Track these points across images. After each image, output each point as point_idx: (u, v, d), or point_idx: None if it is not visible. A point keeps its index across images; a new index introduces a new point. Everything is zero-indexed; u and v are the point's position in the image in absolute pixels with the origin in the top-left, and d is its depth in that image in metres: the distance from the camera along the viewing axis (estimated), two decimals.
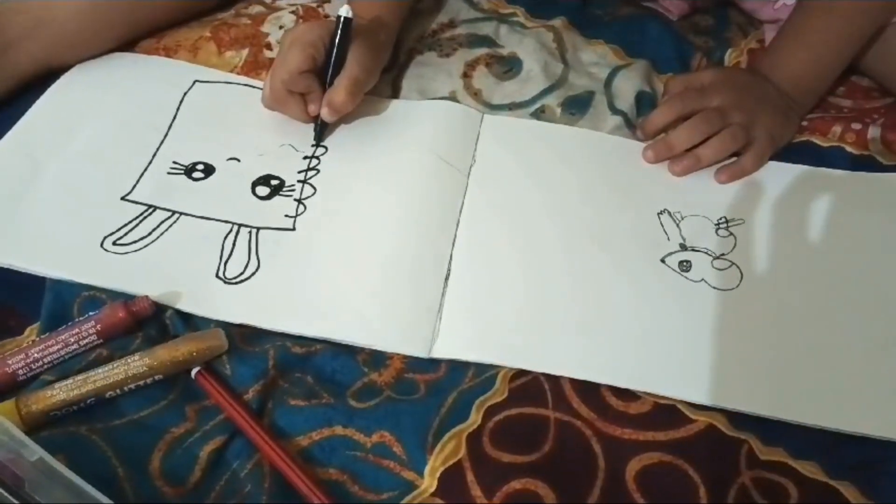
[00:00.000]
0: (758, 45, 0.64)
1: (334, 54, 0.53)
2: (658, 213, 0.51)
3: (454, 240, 0.49)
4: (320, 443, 0.40)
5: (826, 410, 0.42)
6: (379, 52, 0.56)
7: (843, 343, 0.45)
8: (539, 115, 0.57)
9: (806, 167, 0.54)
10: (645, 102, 0.58)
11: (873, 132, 0.57)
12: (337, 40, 0.52)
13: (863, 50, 0.58)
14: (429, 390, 0.43)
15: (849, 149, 0.56)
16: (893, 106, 0.59)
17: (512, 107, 0.58)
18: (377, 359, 0.44)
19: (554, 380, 0.43)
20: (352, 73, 0.53)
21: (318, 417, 0.41)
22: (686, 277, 0.48)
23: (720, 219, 0.51)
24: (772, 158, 0.55)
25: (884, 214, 0.52)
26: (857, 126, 0.57)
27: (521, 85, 0.59)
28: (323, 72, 0.53)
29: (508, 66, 0.60)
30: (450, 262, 0.48)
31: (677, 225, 0.51)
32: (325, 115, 0.53)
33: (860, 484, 0.39)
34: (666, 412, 0.42)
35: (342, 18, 0.52)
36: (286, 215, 0.50)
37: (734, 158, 0.54)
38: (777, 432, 0.41)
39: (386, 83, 0.59)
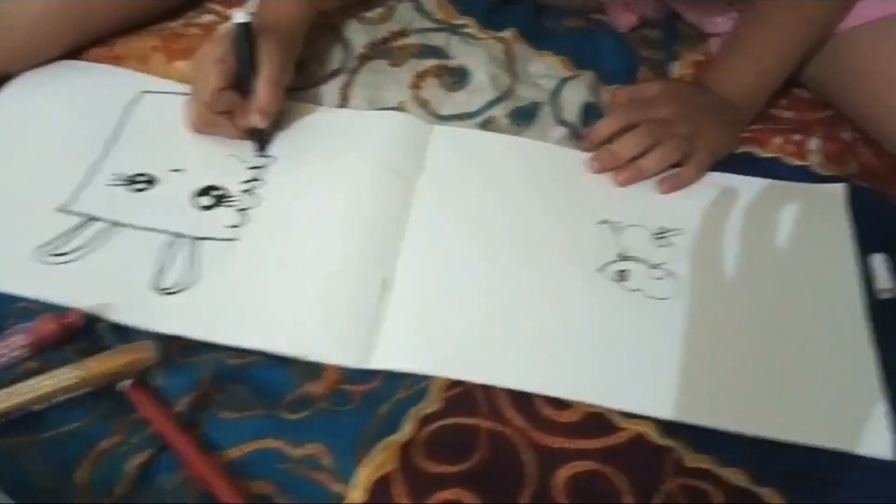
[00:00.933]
0: (704, 58, 0.65)
1: (242, 61, 0.52)
2: (598, 223, 0.52)
3: (399, 251, 0.49)
4: (251, 455, 0.40)
5: (755, 418, 0.43)
6: (287, 44, 0.55)
7: (773, 351, 0.46)
8: (486, 125, 0.58)
9: (745, 178, 0.55)
10: (591, 114, 0.59)
11: (813, 144, 0.58)
12: (240, 46, 0.51)
13: (804, 62, 0.59)
14: (363, 401, 0.43)
15: (788, 160, 0.57)
16: (834, 118, 0.60)
17: (460, 117, 0.58)
18: (313, 370, 0.44)
19: (489, 390, 0.43)
20: (268, 71, 0.52)
21: (249, 429, 0.41)
22: (623, 287, 0.48)
23: (659, 229, 0.52)
24: (713, 168, 0.55)
25: (820, 225, 0.52)
26: (797, 137, 0.58)
27: (470, 96, 0.59)
28: (240, 84, 0.52)
29: (457, 77, 0.61)
30: (394, 273, 0.48)
31: (617, 235, 0.51)
32: (257, 121, 0.53)
33: (785, 490, 0.39)
34: (596, 420, 0.42)
35: (238, 24, 0.51)
36: (228, 226, 0.50)
37: (676, 169, 0.54)
38: (706, 440, 0.41)
39: (335, 92, 0.59)
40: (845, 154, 0.57)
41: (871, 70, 0.56)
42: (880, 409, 0.43)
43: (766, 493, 0.39)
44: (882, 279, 0.49)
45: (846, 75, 0.58)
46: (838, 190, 0.54)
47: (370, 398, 0.43)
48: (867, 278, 0.49)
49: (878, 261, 0.50)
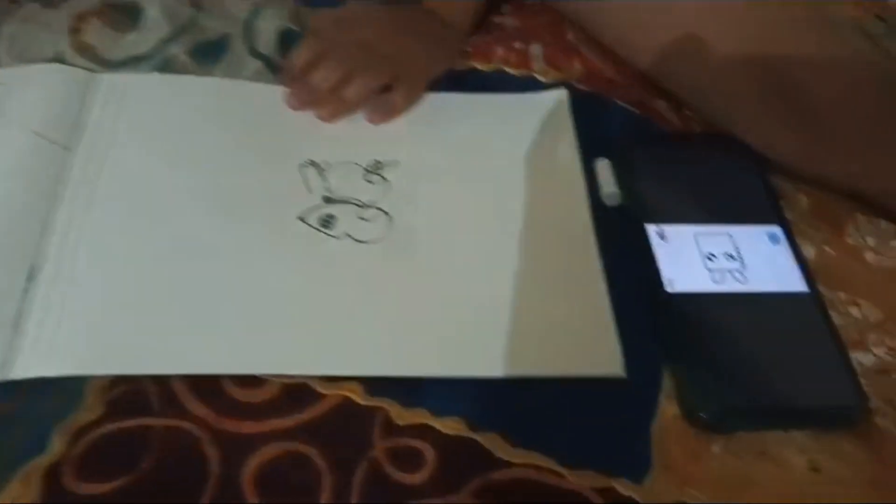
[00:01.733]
0: None
1: None
2: (303, 165, 0.45)
3: (52, 230, 0.40)
4: None
5: (474, 359, 0.38)
6: None
7: (498, 282, 0.41)
8: (166, 67, 0.49)
9: (464, 95, 0.50)
10: (291, 42, 0.51)
11: (535, 50, 0.54)
12: None
13: None
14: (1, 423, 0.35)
15: (510, 71, 0.52)
16: (556, 22, 0.56)
17: (132, 62, 0.49)
18: None
19: (163, 382, 0.36)
20: None
21: None
22: (327, 234, 0.42)
23: (372, 163, 0.46)
24: (432, 90, 0.50)
25: (544, 135, 0.48)
26: (518, 45, 0.54)
27: (142, 35, 0.50)
28: None
29: (127, 15, 0.51)
30: (44, 259, 0.39)
31: (322, 176, 0.45)
32: None
33: (507, 431, 0.35)
34: (295, 393, 0.36)
35: None
36: None
37: (385, 95, 0.48)
38: (419, 393, 0.37)
39: None
40: (567, 58, 0.53)
41: None
42: (610, 326, 0.39)
43: (486, 438, 0.35)
44: (606, 185, 0.47)
45: None
46: (560, 96, 0.50)
47: (7, 419, 0.34)
48: (593, 186, 0.46)
49: (602, 166, 0.48)
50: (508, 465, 0.35)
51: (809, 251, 0.45)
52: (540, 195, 0.46)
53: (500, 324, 0.39)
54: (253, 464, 0.34)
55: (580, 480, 0.34)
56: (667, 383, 0.38)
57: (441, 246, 0.42)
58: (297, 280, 0.40)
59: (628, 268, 0.42)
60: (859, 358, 0.40)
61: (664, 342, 0.39)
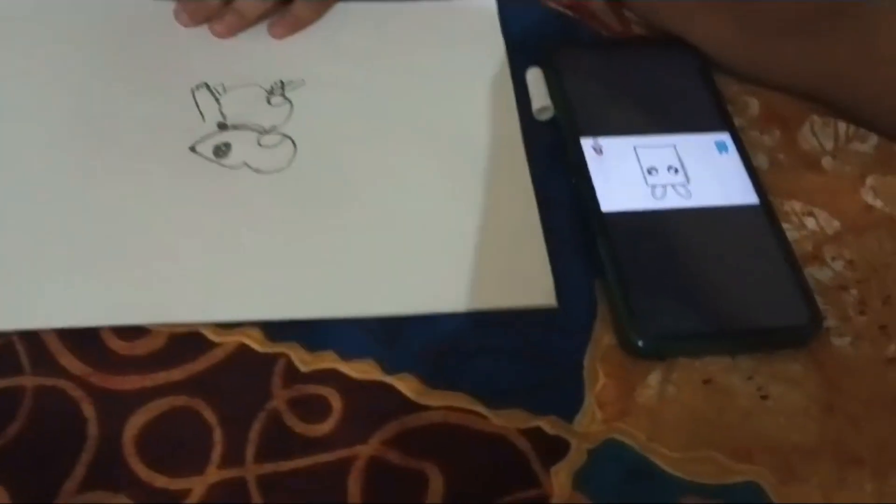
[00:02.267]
0: None
1: None
2: (196, 89, 0.40)
3: None
4: None
5: (387, 297, 0.34)
6: None
7: (413, 215, 0.36)
8: None
9: (379, 3, 0.45)
10: None
11: None
12: None
13: None
14: None
15: None
16: None
17: None
18: None
19: (34, 337, 0.32)
20: None
21: None
22: (222, 165, 0.37)
23: (275, 84, 0.41)
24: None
25: (470, 46, 0.43)
26: None
27: None
28: None
29: None
30: None
31: (217, 100, 0.40)
32: None
33: (423, 372, 0.32)
34: (184, 343, 0.32)
35: None
36: None
37: (289, 5, 0.43)
38: (326, 335, 0.33)
39: None
40: None
41: None
42: (541, 252, 0.35)
43: (400, 380, 0.31)
44: (538, 98, 0.42)
45: None
46: (486, 1, 0.45)
47: None
48: (523, 99, 0.41)
49: (534, 77, 0.44)
50: (426, 408, 0.31)
51: (761, 160, 0.41)
52: (464, 111, 0.41)
53: (417, 255, 0.35)
54: (136, 423, 0.30)
55: (504, 421, 0.31)
56: (602, 311, 0.34)
57: (352, 173, 0.38)
58: (186, 218, 0.36)
59: (561, 187, 0.38)
60: (815, 273, 0.36)
61: (599, 266, 0.35)
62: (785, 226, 0.37)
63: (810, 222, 0.39)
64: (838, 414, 0.32)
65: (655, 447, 0.30)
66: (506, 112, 0.41)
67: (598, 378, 0.32)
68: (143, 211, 0.36)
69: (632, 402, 0.32)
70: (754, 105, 0.43)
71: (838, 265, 0.37)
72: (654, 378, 0.32)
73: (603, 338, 0.33)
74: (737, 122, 0.41)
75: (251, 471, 0.29)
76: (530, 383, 0.32)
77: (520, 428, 0.31)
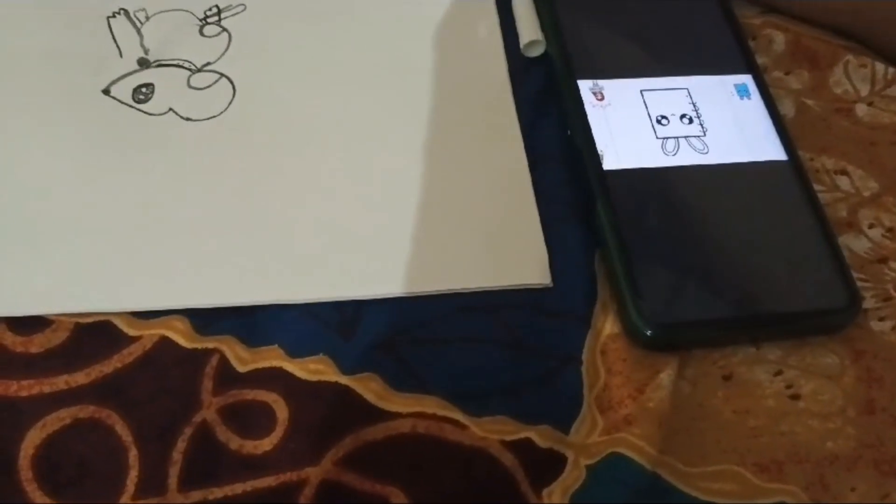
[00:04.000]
0: None
1: None
2: (113, 16, 0.33)
3: None
4: None
5: (346, 277, 0.28)
6: None
7: (376, 174, 0.30)
8: None
9: None
10: None
11: None
12: None
13: None
14: None
15: None
16: None
17: None
18: None
19: None
20: None
21: None
22: (143, 111, 0.31)
23: (210, 10, 0.34)
24: None
25: None
26: None
27: None
28: None
29: None
30: None
31: (138, 31, 0.33)
32: None
33: (387, 370, 0.26)
34: (92, 337, 0.26)
35: None
36: None
37: None
38: (269, 325, 0.27)
39: None
40: None
41: None
42: (533, 220, 0.29)
43: (359, 382, 0.26)
44: (527, 31, 0.36)
45: None
46: None
47: None
48: (509, 33, 0.35)
49: (521, 6, 0.37)
50: (390, 416, 0.25)
51: (786, 107, 0.35)
52: (439, 46, 0.34)
53: (379, 225, 0.29)
54: (34, 439, 0.24)
55: (486, 431, 0.25)
56: (603, 292, 0.29)
57: (302, 122, 0.31)
58: (96, 178, 0.29)
59: (554, 140, 0.32)
60: (849, 243, 0.31)
61: (599, 237, 0.30)
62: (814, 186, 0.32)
63: (843, 182, 0.33)
64: (880, 415, 0.27)
65: (668, 461, 0.25)
66: (489, 47, 0.34)
67: (599, 375, 0.27)
68: (43, 170, 0.29)
69: (639, 405, 0.26)
70: (779, 40, 0.37)
71: (876, 234, 0.32)
72: (666, 375, 0.28)
73: (604, 325, 0.28)
74: (759, 60, 0.36)
75: (175, 500, 0.24)
76: (517, 383, 0.26)
77: (505, 440, 0.25)
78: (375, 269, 0.28)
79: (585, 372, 0.27)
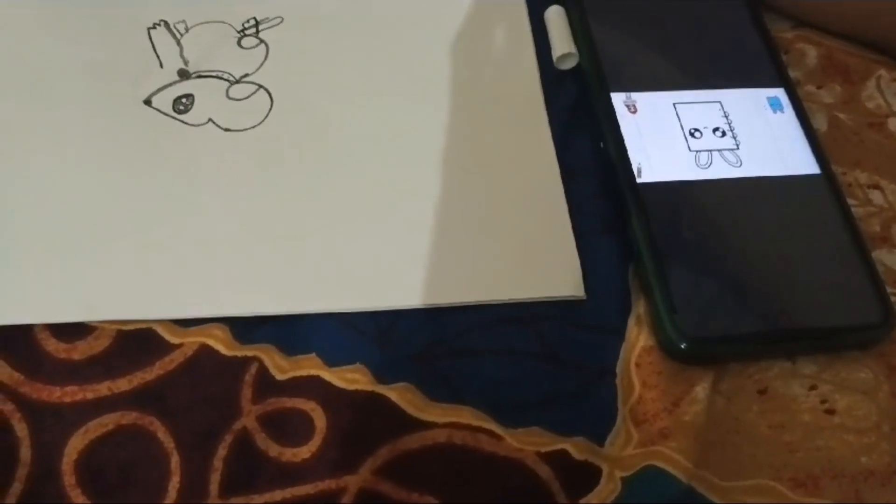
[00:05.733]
0: None
1: None
2: (152, 28, 0.34)
3: None
4: None
5: (382, 288, 0.28)
6: None
7: (412, 186, 0.30)
8: None
9: None
10: None
11: None
12: None
13: None
14: None
15: None
16: None
17: None
18: None
19: None
20: None
21: None
22: (184, 122, 0.31)
23: (248, 22, 0.34)
24: None
25: None
26: None
27: None
28: None
29: None
30: None
31: (178, 42, 0.34)
32: None
33: (423, 380, 0.26)
34: (135, 344, 0.27)
35: None
36: None
37: None
38: (308, 334, 0.27)
39: None
40: None
41: None
42: (566, 231, 0.29)
43: (396, 391, 0.26)
44: (560, 44, 0.36)
45: None
46: None
47: None
48: (542, 45, 0.35)
49: (554, 19, 0.37)
50: (426, 426, 0.26)
51: (819, 121, 0.35)
52: (472, 59, 0.34)
53: (417, 236, 0.29)
54: (76, 445, 0.25)
55: (522, 443, 0.26)
56: (637, 305, 0.29)
57: (340, 133, 0.31)
58: (137, 188, 0.29)
59: (586, 153, 0.32)
60: (883, 258, 0.31)
61: (633, 250, 0.30)
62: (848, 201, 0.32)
63: (876, 196, 0.33)
64: None
65: (704, 475, 0.25)
66: (522, 60, 0.35)
67: (634, 388, 0.27)
68: (85, 181, 0.30)
69: (675, 418, 0.27)
70: (812, 54, 0.37)
71: None
72: (701, 388, 0.28)
73: (638, 338, 0.28)
74: (791, 74, 0.36)
75: None
76: (552, 395, 0.27)
77: (540, 451, 0.25)
78: (412, 280, 0.28)
79: (620, 385, 0.27)
